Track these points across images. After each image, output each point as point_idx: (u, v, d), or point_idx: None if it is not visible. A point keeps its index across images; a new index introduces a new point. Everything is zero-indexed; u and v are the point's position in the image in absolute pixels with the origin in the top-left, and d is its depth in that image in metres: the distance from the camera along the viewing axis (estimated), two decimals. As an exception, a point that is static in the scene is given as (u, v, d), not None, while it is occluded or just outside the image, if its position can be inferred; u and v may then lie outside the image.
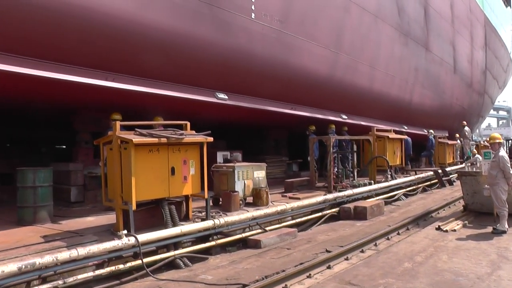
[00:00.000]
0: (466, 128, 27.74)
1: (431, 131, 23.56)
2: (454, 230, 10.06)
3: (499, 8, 41.89)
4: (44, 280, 6.13)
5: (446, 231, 10.01)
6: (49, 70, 8.63)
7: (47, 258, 6.00)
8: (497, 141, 10.15)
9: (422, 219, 11.54)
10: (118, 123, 7.90)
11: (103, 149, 8.76)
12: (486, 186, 10.34)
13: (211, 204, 9.62)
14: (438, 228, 10.30)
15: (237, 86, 12.71)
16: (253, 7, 12.40)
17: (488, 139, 11.52)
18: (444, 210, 13.10)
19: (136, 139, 7.57)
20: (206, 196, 8.91)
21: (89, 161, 11.56)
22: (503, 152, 9.92)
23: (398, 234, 9.85)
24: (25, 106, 11.17)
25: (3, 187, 12.60)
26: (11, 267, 5.62)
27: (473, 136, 32.76)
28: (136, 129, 8.03)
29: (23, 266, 5.71)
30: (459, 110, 30.57)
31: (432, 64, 25.10)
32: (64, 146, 17.62)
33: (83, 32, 8.87)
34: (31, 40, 8.36)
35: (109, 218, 9.04)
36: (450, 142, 25.18)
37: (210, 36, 11.24)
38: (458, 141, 27.57)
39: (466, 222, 10.92)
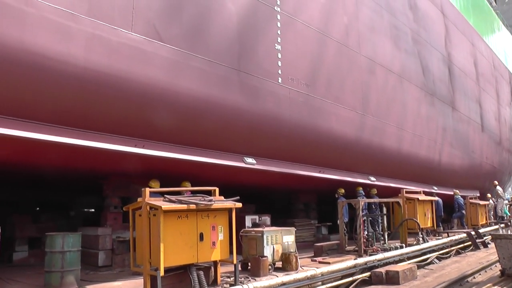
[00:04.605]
0: (498, 188, 27.12)
1: (457, 191, 23.07)
2: (493, 297, 9.62)
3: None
4: None
5: (484, 298, 9.59)
6: (81, 138, 8.85)
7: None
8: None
9: (458, 284, 11.07)
10: (147, 190, 7.98)
11: (132, 215, 8.80)
12: (523, 250, 9.96)
13: (239, 269, 9.45)
14: (476, 295, 9.87)
15: (265, 150, 12.78)
16: (280, 72, 12.65)
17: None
18: (480, 274, 12.56)
19: (165, 205, 7.62)
20: (234, 262, 8.82)
21: (117, 225, 11.61)
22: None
23: (434, 301, 9.48)
24: (55, 171, 11.37)
25: (31, 251, 12.67)
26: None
27: (506, 194, 32.01)
28: (165, 195, 8.09)
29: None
30: (490, 169, 30.01)
31: (459, 123, 24.96)
32: (93, 210, 17.77)
33: (117, 101, 9.14)
34: (64, 109, 8.64)
35: (136, 283, 8.97)
36: (482, 202, 24.54)
37: (238, 101, 11.46)
38: (490, 201, 26.90)
39: (505, 288, 10.45)
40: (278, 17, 12.93)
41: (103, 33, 8.83)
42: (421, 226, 16.12)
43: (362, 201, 14.04)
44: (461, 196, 22.88)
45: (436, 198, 19.58)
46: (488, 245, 18.93)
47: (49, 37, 8.07)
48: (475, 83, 28.01)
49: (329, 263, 11.68)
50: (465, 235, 18.87)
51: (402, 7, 20.06)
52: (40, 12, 7.98)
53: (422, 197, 17.60)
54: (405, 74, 19.46)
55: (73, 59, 8.36)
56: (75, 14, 8.44)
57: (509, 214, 27.11)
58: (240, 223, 11.86)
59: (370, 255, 12.98)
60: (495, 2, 40.33)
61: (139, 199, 8.30)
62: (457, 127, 24.56)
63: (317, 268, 10.63)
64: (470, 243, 18.70)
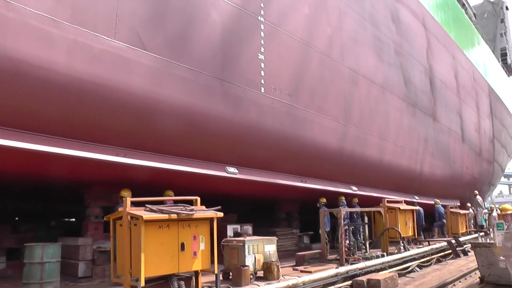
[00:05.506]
0: (478, 197, 27.44)
1: (437, 200, 23.30)
2: (473, 304, 9.70)
3: (502, 78, 42.71)
4: None
5: (465, 305, 9.65)
6: (61, 146, 8.76)
7: None
8: (509, 212, 9.97)
9: (439, 292, 11.18)
10: (128, 200, 7.92)
11: (113, 225, 8.71)
12: (501, 257, 10.04)
13: (221, 278, 9.44)
14: (456, 302, 9.93)
15: (247, 160, 12.78)
16: (262, 81, 12.68)
17: (499, 210, 11.33)
18: (460, 282, 12.69)
19: (146, 215, 7.57)
20: (216, 272, 8.81)
21: (98, 235, 11.46)
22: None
23: (415, 309, 9.53)
24: (37, 181, 11.23)
25: (10, 262, 12.43)
26: None
27: (486, 203, 32.47)
28: (147, 205, 8.03)
29: None
30: (470, 179, 30.37)
31: (440, 134, 25.23)
32: (74, 219, 17.54)
33: (98, 109, 9.08)
34: (45, 116, 8.55)
35: (117, 295, 8.87)
36: (462, 211, 24.80)
37: (220, 110, 11.45)
38: (470, 210, 27.21)
39: (484, 295, 10.55)
40: (262, 27, 12.98)
41: (86, 40, 8.77)
42: (402, 235, 16.21)
43: (344, 211, 14.11)
44: (442, 205, 23.09)
45: (417, 208, 19.72)
46: (468, 253, 19.08)
47: (30, 43, 7.99)
48: (456, 95, 28.38)
49: (310, 272, 11.68)
50: (445, 243, 19.04)
51: (385, 20, 20.29)
52: (21, 17, 7.90)
53: (403, 206, 17.73)
54: (388, 85, 19.64)
55: (55, 66, 8.28)
56: (57, 20, 8.38)
57: (485, 223, 27.43)
58: (222, 233, 11.81)
59: (352, 264, 13.02)
60: (475, 17, 41.05)
61: (120, 209, 8.23)
62: (438, 137, 24.82)
63: (298, 277, 10.66)
64: (450, 251, 18.85)
